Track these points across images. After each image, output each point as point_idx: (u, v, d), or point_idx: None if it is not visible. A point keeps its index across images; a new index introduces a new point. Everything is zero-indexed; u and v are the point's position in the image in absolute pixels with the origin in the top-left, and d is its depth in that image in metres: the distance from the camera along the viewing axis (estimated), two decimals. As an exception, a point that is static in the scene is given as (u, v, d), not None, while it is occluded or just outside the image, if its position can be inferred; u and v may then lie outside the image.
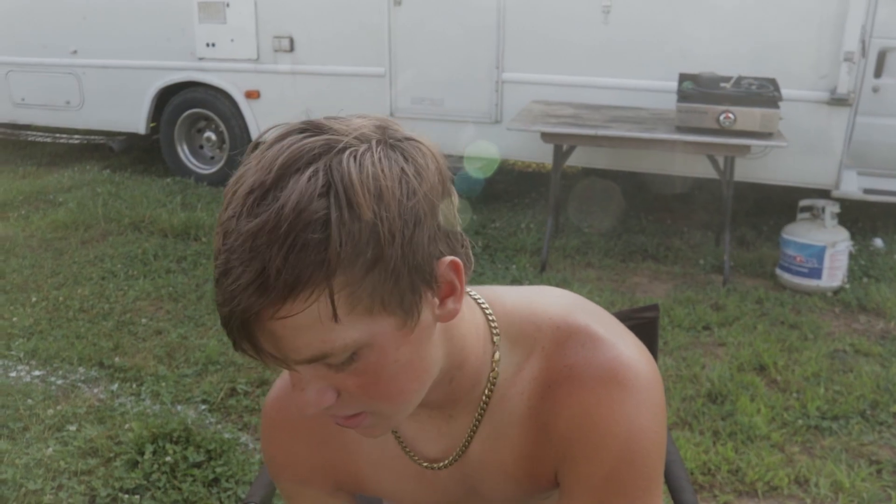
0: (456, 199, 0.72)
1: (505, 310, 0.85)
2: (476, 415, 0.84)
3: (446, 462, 0.87)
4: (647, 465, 0.76)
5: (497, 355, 0.82)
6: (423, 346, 0.71)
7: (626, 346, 0.79)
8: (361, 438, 0.89)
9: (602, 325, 0.81)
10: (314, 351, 0.65)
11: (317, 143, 0.63)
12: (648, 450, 0.76)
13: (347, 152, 0.63)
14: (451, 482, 0.90)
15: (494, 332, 0.83)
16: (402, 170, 0.64)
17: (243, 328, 0.63)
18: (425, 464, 0.88)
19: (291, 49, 5.10)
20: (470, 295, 0.84)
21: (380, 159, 0.64)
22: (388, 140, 0.66)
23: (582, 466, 0.77)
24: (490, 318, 0.83)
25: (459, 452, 0.86)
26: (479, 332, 0.81)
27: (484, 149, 4.61)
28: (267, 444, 0.94)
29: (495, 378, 0.82)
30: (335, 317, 0.63)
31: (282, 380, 0.93)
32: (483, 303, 0.85)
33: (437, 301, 0.70)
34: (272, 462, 0.94)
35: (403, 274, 0.65)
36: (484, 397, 0.83)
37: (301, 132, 0.65)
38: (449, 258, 0.69)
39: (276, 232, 0.60)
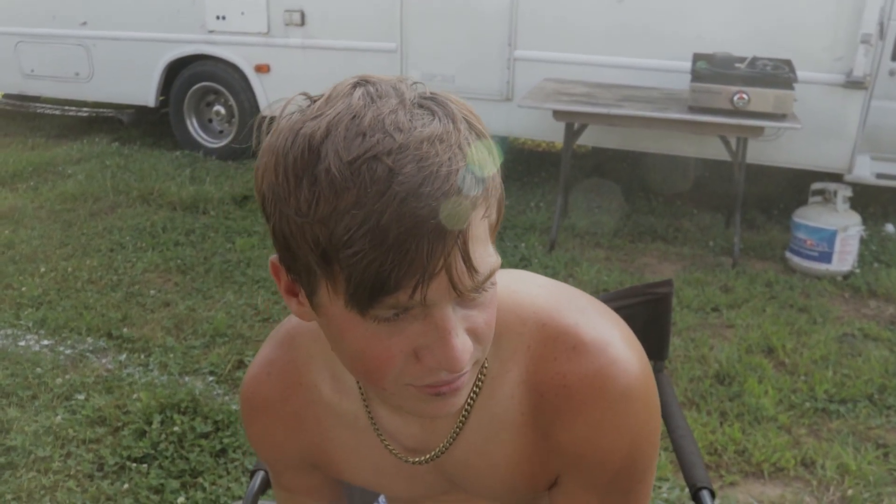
0: None
1: None
2: (461, 414, 0.81)
3: (426, 458, 0.85)
4: (645, 460, 0.79)
5: None
6: None
7: (616, 347, 0.76)
8: (338, 425, 0.87)
9: (590, 324, 0.77)
10: (490, 267, 0.63)
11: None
12: (647, 449, 0.78)
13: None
14: (431, 476, 0.89)
15: None
16: None
17: (459, 234, 0.59)
18: (403, 457, 0.86)
19: (302, 23, 5.06)
20: None
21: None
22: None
23: (587, 473, 0.79)
24: None
25: (441, 450, 0.84)
26: None
27: (494, 127, 4.58)
28: (247, 426, 0.92)
29: (483, 375, 0.80)
30: (494, 230, 0.65)
31: (258, 364, 0.90)
32: None
33: None
34: (254, 443, 0.93)
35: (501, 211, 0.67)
36: (471, 396, 0.80)
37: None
38: None
39: (454, 130, 0.60)
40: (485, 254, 0.62)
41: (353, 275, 0.59)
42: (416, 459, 0.85)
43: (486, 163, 0.61)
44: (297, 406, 0.87)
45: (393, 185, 0.57)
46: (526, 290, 0.81)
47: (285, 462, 0.93)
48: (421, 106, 0.61)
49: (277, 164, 0.61)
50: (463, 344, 0.63)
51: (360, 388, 0.84)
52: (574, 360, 0.75)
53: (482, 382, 0.80)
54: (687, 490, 1.18)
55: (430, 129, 0.59)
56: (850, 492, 2.26)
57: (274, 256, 0.68)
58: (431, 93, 0.65)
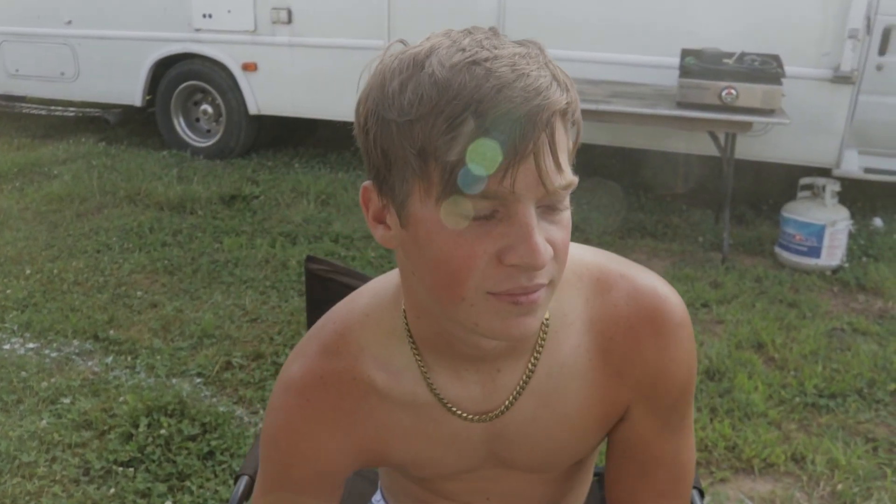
0: None
1: None
2: (527, 367, 0.85)
3: (493, 414, 0.86)
4: (694, 382, 0.90)
5: None
6: None
7: (663, 288, 0.86)
8: (394, 409, 0.86)
9: (635, 272, 0.87)
10: (571, 177, 0.69)
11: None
12: (695, 371, 0.89)
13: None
14: (485, 445, 0.89)
15: None
16: None
17: (548, 122, 0.65)
18: (468, 416, 0.86)
19: (290, 21, 5.03)
20: None
21: None
22: None
23: (656, 399, 0.87)
24: None
25: (508, 406, 0.86)
26: None
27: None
28: (287, 432, 0.87)
29: (546, 327, 0.84)
30: (573, 154, 0.71)
31: (308, 370, 0.86)
32: None
33: None
34: (293, 449, 0.87)
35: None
36: (538, 347, 0.84)
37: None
38: None
39: (541, 56, 0.68)
40: (567, 163, 0.69)
41: (448, 164, 0.64)
42: (482, 417, 0.87)
43: (568, 84, 0.68)
44: (353, 403, 0.87)
45: (490, 79, 0.64)
46: (572, 250, 0.85)
47: (323, 471, 0.89)
48: (512, 41, 0.69)
49: (384, 79, 0.69)
50: (544, 244, 0.68)
51: (416, 358, 0.85)
52: (633, 303, 0.84)
53: (546, 336, 0.85)
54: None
55: (521, 49, 0.67)
56: (839, 486, 2.26)
57: (367, 182, 0.74)
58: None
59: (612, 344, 0.84)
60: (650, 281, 0.86)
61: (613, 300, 0.84)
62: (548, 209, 0.69)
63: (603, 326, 0.84)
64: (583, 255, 0.87)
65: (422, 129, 0.65)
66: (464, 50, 0.66)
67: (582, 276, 0.85)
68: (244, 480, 1.14)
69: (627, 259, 0.90)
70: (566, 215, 0.71)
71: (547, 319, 0.84)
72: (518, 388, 0.85)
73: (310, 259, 1.34)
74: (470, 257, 0.68)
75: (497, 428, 0.88)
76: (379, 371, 0.86)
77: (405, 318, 0.85)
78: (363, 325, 0.87)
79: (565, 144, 0.68)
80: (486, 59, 0.65)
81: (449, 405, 0.86)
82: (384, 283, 0.89)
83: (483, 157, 0.64)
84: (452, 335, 0.79)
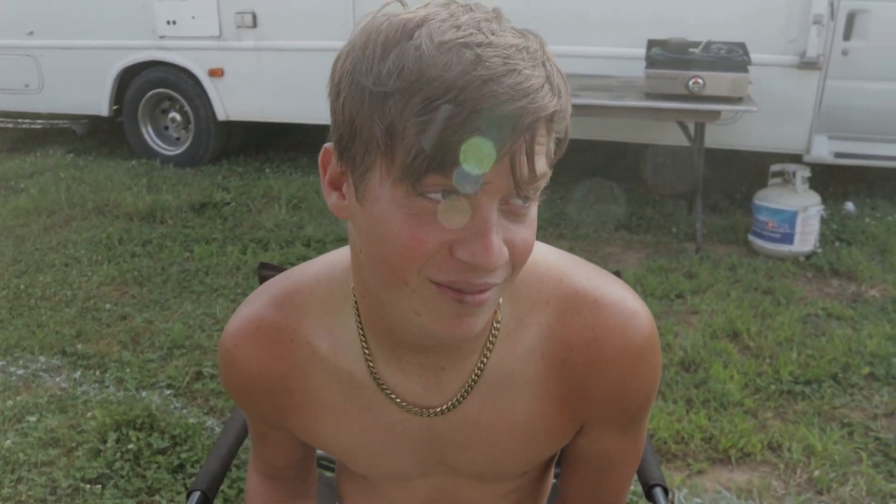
0: None
1: None
2: (475, 368, 0.81)
3: (436, 411, 0.83)
4: (655, 395, 0.86)
5: (500, 301, 0.79)
6: None
7: (631, 301, 0.81)
8: (330, 382, 0.84)
9: (603, 282, 0.82)
10: (544, 172, 0.65)
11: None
12: (658, 383, 0.85)
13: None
14: (423, 447, 0.86)
15: None
16: None
17: (529, 127, 0.61)
18: (409, 408, 0.83)
19: (255, 25, 4.98)
20: None
21: None
22: None
23: (616, 416, 0.84)
24: None
25: (452, 406, 0.82)
26: None
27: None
28: (225, 378, 0.89)
29: (497, 330, 0.80)
30: (551, 160, 0.66)
31: (247, 317, 0.86)
32: None
33: None
34: (229, 390, 0.91)
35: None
36: (487, 348, 0.80)
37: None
38: None
39: (540, 52, 0.64)
40: (542, 163, 0.65)
41: (416, 146, 0.60)
42: (421, 411, 0.83)
43: (562, 88, 0.64)
44: (284, 365, 0.84)
45: (478, 68, 0.59)
46: (536, 249, 0.82)
47: (260, 416, 0.92)
48: (513, 28, 0.65)
49: (368, 41, 0.64)
50: (499, 244, 0.64)
51: (361, 337, 0.82)
52: (598, 314, 0.79)
53: (496, 338, 0.80)
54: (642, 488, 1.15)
55: (520, 41, 0.63)
56: (816, 473, 2.25)
57: (328, 144, 0.70)
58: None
59: (573, 354, 0.80)
60: (619, 293, 0.81)
61: (577, 308, 0.79)
62: (512, 205, 0.65)
63: (563, 335, 0.80)
64: (547, 257, 0.83)
65: (395, 104, 0.60)
66: (458, 27, 0.61)
67: (543, 278, 0.81)
68: (196, 496, 1.10)
69: (597, 266, 0.85)
70: (532, 211, 0.68)
71: (499, 322, 0.80)
72: (464, 388, 0.81)
73: (263, 266, 1.31)
74: (421, 240, 0.64)
75: (439, 427, 0.85)
76: (320, 340, 0.84)
77: (354, 295, 0.81)
78: (312, 290, 0.85)
79: (545, 149, 0.65)
80: (480, 45, 0.60)
81: (387, 390, 0.83)
82: (340, 255, 0.86)
83: (453, 149, 0.60)
84: (395, 322, 0.75)
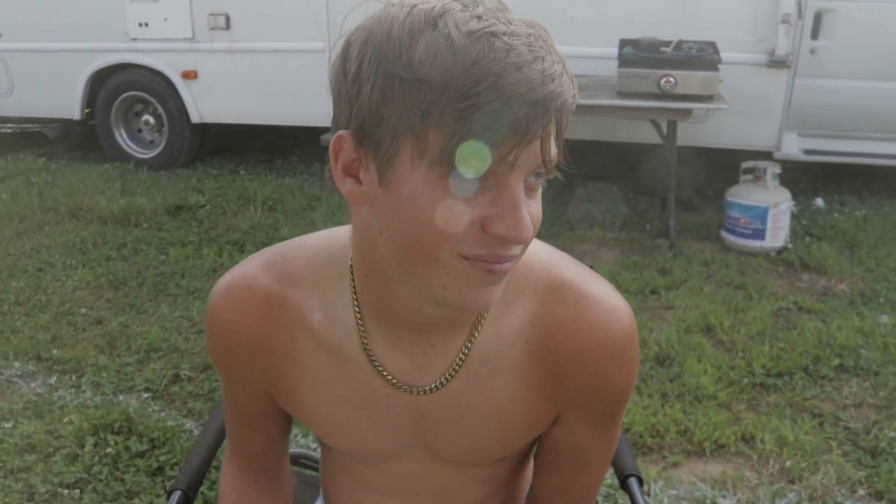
0: None
1: None
2: (462, 347, 0.83)
3: (423, 389, 0.85)
4: (632, 390, 0.88)
5: None
6: None
7: (614, 297, 0.84)
8: (316, 350, 0.86)
9: (588, 277, 0.85)
10: (556, 150, 0.69)
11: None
12: (635, 379, 0.87)
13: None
14: (406, 424, 0.88)
15: None
16: None
17: (558, 109, 0.65)
18: (397, 384, 0.85)
19: (228, 27, 4.96)
20: None
21: None
22: None
23: (592, 408, 0.86)
24: None
25: (439, 384, 0.84)
26: None
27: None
28: (210, 337, 0.90)
29: (484, 313, 0.83)
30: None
31: (239, 275, 0.87)
32: None
33: None
34: (213, 354, 0.92)
35: None
36: (475, 328, 0.83)
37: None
38: None
39: (550, 40, 0.67)
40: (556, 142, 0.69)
41: (457, 130, 0.63)
42: (408, 388, 0.85)
43: (572, 74, 0.68)
44: (272, 326, 0.85)
45: (510, 55, 0.63)
46: None
47: (241, 380, 0.92)
48: (520, 18, 0.67)
49: (391, 28, 0.65)
50: (528, 219, 0.68)
51: (356, 311, 0.83)
52: (583, 306, 0.82)
53: (485, 319, 0.83)
54: (616, 478, 1.17)
55: (532, 30, 0.66)
56: (788, 463, 2.29)
57: (342, 132, 0.70)
58: None
59: (556, 342, 0.82)
60: (602, 289, 0.84)
61: (563, 297, 0.82)
62: (530, 182, 0.69)
63: (547, 322, 0.82)
64: (537, 248, 0.86)
65: (430, 90, 0.63)
66: (480, 18, 0.64)
67: (533, 267, 0.84)
68: (177, 496, 1.11)
69: (581, 263, 0.89)
70: (540, 190, 0.72)
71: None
72: (452, 367, 0.84)
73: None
74: (455, 220, 0.67)
75: (422, 406, 0.86)
76: (312, 310, 0.85)
77: (351, 273, 0.83)
78: (310, 260, 0.86)
79: (560, 132, 0.69)
80: (505, 34, 0.63)
81: (377, 365, 0.85)
82: (338, 233, 0.88)
83: (493, 133, 0.64)
84: (397, 299, 0.77)
